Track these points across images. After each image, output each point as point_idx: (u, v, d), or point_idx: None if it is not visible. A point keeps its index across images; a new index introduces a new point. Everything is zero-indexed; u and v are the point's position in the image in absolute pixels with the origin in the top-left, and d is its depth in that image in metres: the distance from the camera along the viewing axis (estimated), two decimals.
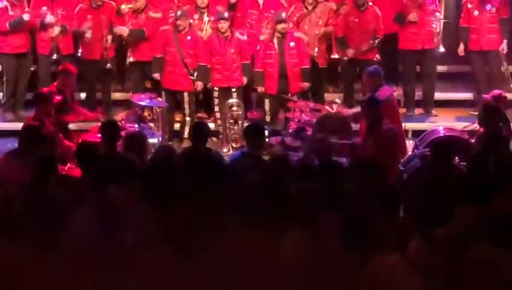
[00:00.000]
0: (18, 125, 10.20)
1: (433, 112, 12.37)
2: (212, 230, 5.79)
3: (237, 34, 11.61)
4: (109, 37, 11.82)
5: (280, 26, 11.45)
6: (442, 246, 5.15)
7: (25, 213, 5.86)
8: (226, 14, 11.55)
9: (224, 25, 11.46)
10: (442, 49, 12.06)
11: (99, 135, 8.61)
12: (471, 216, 5.71)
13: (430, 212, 5.41)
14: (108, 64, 11.84)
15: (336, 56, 12.24)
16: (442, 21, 12.31)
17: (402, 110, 12.22)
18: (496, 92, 10.19)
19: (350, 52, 11.91)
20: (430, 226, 5.25)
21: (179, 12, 11.48)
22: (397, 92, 11.78)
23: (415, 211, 5.68)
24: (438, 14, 12.07)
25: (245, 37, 11.64)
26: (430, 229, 5.22)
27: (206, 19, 11.86)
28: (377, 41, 11.87)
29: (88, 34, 11.68)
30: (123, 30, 11.83)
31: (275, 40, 11.52)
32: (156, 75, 11.60)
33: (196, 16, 11.90)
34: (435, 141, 9.63)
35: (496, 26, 12.19)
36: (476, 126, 9.58)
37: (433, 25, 12.01)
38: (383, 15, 12.04)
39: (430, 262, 5.10)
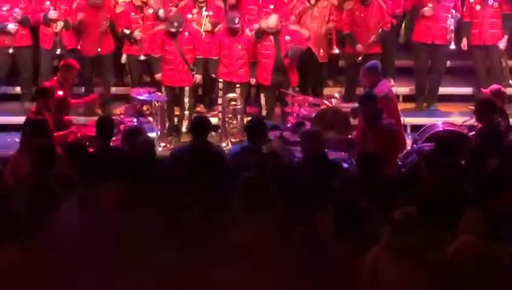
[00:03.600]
0: (19, 119, 10.23)
1: (433, 107, 12.37)
2: (211, 224, 5.82)
3: (247, 31, 11.59)
4: (106, 23, 11.79)
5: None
6: (405, 229, 5.18)
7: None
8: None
9: None
10: (453, 46, 12.03)
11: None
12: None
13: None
14: (99, 49, 11.82)
15: (336, 51, 12.24)
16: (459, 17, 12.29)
17: (410, 105, 12.31)
18: (495, 87, 10.16)
19: (359, 47, 11.87)
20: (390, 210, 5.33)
21: (175, 23, 11.39)
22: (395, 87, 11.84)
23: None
24: (453, 11, 12.01)
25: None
26: (390, 213, 5.29)
27: (204, 13, 11.84)
28: (381, 31, 11.87)
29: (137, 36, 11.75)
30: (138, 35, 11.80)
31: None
32: (158, 76, 11.56)
33: (195, 10, 11.89)
34: (437, 135, 9.62)
35: (498, 21, 12.16)
36: (474, 121, 9.58)
37: (448, 22, 11.98)
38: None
39: (401, 247, 5.14)
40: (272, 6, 11.98)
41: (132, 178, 6.49)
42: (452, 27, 11.99)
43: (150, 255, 5.58)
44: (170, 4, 12.07)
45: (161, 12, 11.77)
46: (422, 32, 12.14)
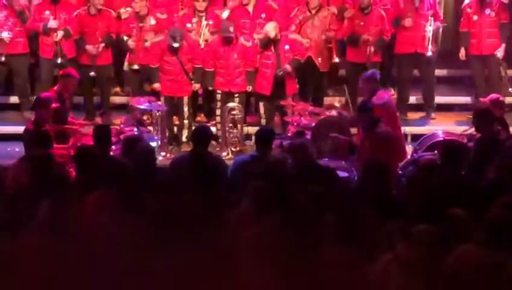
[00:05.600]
0: (19, 129, 10.26)
1: (432, 115, 12.38)
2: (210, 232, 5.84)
3: (242, 40, 11.62)
4: (101, 45, 11.86)
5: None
6: (425, 244, 5.19)
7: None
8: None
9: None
10: (429, 53, 12.02)
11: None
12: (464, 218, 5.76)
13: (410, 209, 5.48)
14: (92, 73, 11.87)
15: (337, 60, 12.27)
16: (441, 25, 12.34)
17: (412, 114, 12.36)
18: (494, 96, 10.15)
19: (365, 36, 11.83)
20: (410, 223, 5.33)
21: (177, 37, 11.37)
22: (395, 96, 11.89)
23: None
24: (432, 19, 12.05)
25: (250, 43, 11.62)
26: (409, 226, 5.29)
27: (204, 22, 11.86)
28: (379, 39, 11.90)
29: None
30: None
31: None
32: (157, 86, 11.56)
33: (195, 20, 11.90)
34: (442, 144, 9.61)
35: (496, 31, 12.20)
36: (473, 130, 9.60)
37: (426, 29, 12.01)
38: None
39: (417, 261, 5.14)
40: (263, 16, 12.03)
41: (130, 186, 6.51)
42: (430, 35, 11.99)
43: (148, 263, 5.60)
44: (176, 15, 12.10)
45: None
46: (404, 43, 12.15)
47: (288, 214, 5.78)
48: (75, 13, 12.00)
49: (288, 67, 11.46)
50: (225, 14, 11.86)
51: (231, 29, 11.41)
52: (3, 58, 11.99)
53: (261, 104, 11.67)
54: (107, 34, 11.95)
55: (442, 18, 12.33)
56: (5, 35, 11.94)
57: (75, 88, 10.94)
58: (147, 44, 11.70)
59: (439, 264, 5.22)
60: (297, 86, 11.75)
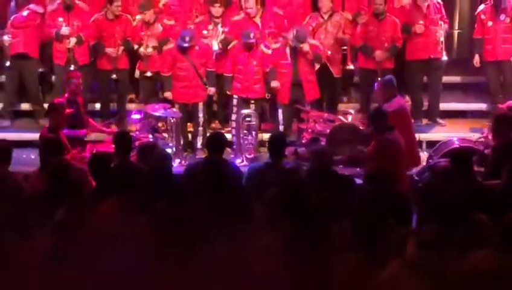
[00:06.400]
0: (35, 136, 10.29)
1: (441, 121, 12.31)
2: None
3: (262, 47, 11.62)
4: (120, 48, 11.90)
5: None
6: (433, 245, 5.17)
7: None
8: None
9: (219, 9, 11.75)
10: (445, 57, 12.02)
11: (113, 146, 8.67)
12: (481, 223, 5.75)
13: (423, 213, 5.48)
14: (114, 76, 11.93)
15: (351, 67, 12.24)
16: (456, 31, 12.30)
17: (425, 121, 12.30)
18: (511, 102, 10.16)
19: (378, 54, 11.83)
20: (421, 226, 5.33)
21: (187, 37, 11.40)
22: (409, 102, 11.85)
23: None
24: (441, 23, 12.03)
25: (270, 51, 11.62)
26: (421, 229, 5.28)
27: (220, 29, 11.88)
28: (392, 46, 11.88)
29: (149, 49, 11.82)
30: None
31: (287, 50, 11.49)
32: (168, 94, 11.56)
33: (211, 26, 11.92)
34: (453, 150, 9.58)
35: (511, 36, 12.15)
36: (486, 135, 9.59)
37: (437, 34, 11.98)
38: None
39: (428, 265, 5.13)
40: (272, 24, 12.01)
41: (147, 192, 6.54)
42: (442, 39, 11.97)
43: (161, 269, 5.60)
44: (189, 21, 12.12)
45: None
46: (417, 49, 12.09)
47: (302, 221, 5.78)
48: (92, 18, 12.04)
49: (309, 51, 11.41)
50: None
51: (251, 35, 11.41)
52: (8, 63, 12.01)
53: (280, 111, 11.65)
54: (125, 39, 11.97)
55: (446, 20, 12.26)
56: (5, 38, 11.96)
57: (80, 87, 10.92)
58: (149, 50, 11.72)
59: (449, 268, 5.20)
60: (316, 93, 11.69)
